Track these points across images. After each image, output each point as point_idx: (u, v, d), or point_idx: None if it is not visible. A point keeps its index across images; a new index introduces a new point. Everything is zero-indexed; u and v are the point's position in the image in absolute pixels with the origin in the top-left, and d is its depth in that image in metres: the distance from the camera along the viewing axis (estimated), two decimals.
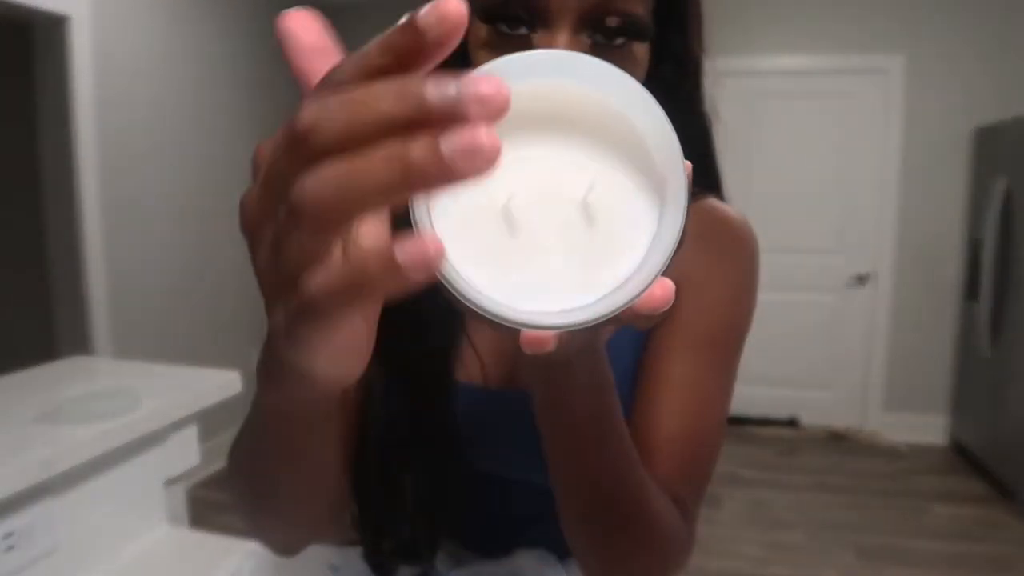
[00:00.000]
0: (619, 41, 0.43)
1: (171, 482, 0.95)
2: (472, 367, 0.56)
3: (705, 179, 0.56)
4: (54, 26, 2.41)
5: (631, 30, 0.43)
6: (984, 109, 3.29)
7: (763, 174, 3.57)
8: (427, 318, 0.53)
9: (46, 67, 2.46)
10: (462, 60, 0.45)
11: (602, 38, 0.43)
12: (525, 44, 0.43)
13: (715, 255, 0.53)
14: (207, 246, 3.22)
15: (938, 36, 3.36)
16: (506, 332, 0.25)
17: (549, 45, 0.42)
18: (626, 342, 0.53)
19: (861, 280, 3.57)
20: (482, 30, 0.45)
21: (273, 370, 0.27)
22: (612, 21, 0.42)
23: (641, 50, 0.45)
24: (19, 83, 3.02)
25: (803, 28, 3.52)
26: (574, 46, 0.42)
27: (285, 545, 0.51)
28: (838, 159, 3.55)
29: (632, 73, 0.27)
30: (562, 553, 0.60)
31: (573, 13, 0.41)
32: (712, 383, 0.52)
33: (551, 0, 0.41)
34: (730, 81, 3.59)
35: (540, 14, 0.42)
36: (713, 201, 0.56)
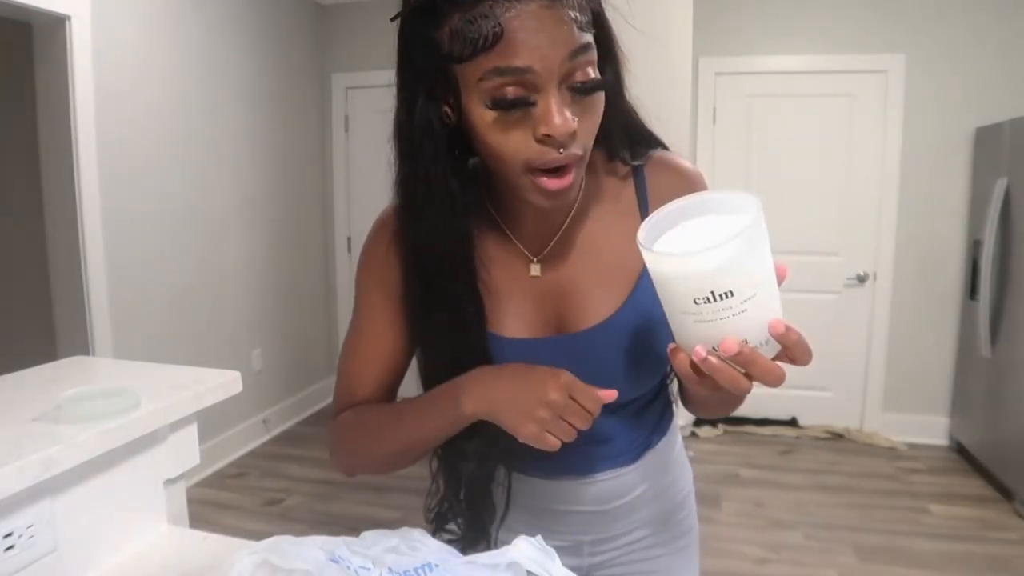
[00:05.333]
0: (589, 95, 0.60)
1: (171, 482, 0.95)
2: (517, 326, 0.73)
3: (653, 142, 0.77)
4: (54, 26, 2.41)
5: (592, 86, 0.60)
6: (984, 109, 3.29)
7: (763, 174, 3.57)
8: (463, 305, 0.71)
9: (46, 67, 2.46)
10: (443, 86, 0.61)
11: (578, 95, 0.59)
12: (526, 118, 0.58)
13: (685, 189, 0.71)
14: (208, 246, 3.22)
15: (938, 36, 3.36)
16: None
17: (550, 124, 0.57)
18: None
19: (861, 280, 3.57)
20: (488, 116, 0.59)
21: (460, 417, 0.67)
22: (579, 82, 0.58)
23: (602, 93, 0.62)
24: (19, 83, 3.02)
25: (803, 28, 3.52)
26: (562, 104, 0.58)
27: (364, 471, 0.79)
28: (838, 159, 3.55)
29: (598, 104, 0.62)
30: (621, 461, 0.80)
31: (555, 83, 0.57)
32: None
33: (539, 79, 0.56)
34: (730, 81, 3.61)
35: (535, 91, 0.57)
36: (665, 153, 0.76)
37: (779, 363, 0.51)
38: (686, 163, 0.76)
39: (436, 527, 0.82)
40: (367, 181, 4.22)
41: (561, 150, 0.58)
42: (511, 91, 0.57)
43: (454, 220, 0.67)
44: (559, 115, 0.56)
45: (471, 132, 0.62)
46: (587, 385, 0.62)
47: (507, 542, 0.62)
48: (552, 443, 0.61)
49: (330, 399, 3.98)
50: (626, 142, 0.74)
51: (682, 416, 0.78)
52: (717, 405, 0.73)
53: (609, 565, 0.85)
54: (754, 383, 0.51)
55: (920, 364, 3.56)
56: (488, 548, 0.78)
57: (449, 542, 0.76)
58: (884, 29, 3.41)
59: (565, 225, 0.73)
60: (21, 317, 3.40)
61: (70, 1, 2.39)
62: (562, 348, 0.72)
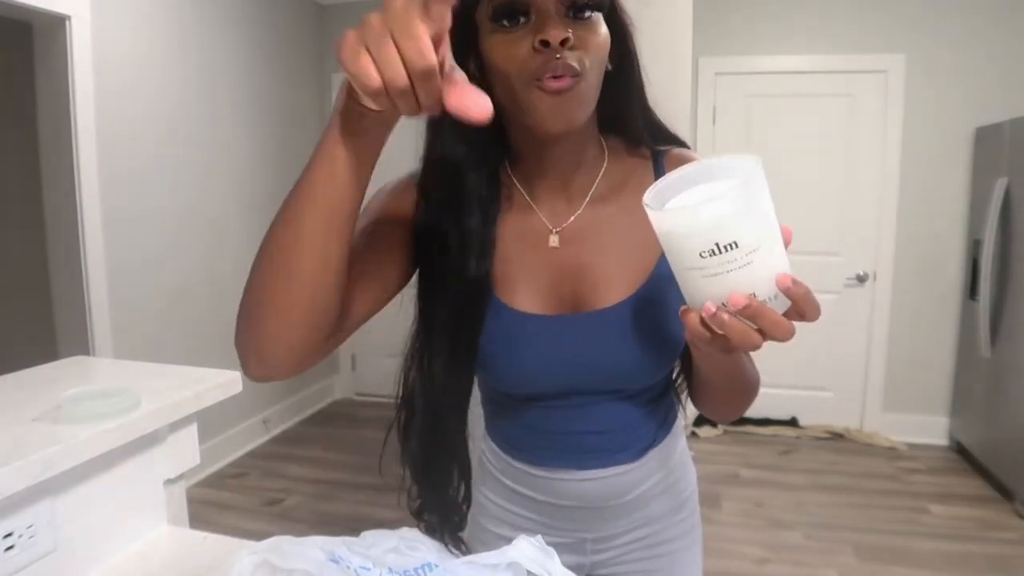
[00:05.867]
0: (586, 15, 0.64)
1: (171, 482, 0.95)
2: (532, 300, 0.73)
3: (673, 138, 0.80)
4: (54, 26, 2.41)
5: (586, 4, 0.64)
6: (984, 109, 3.29)
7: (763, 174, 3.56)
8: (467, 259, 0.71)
9: (46, 67, 2.46)
10: (466, 43, 0.66)
11: (575, 15, 0.64)
12: (528, 36, 0.63)
13: None
14: (208, 246, 3.22)
15: (938, 36, 3.36)
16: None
17: (546, 32, 0.61)
18: None
19: (861, 280, 3.57)
20: (495, 39, 0.65)
21: (350, 110, 0.49)
22: (579, 3, 0.64)
23: (600, 19, 0.66)
24: (19, 83, 3.02)
25: (803, 28, 3.52)
26: (559, 22, 0.62)
27: (274, 355, 0.63)
28: (838, 159, 3.55)
29: (598, 32, 0.65)
30: (623, 458, 0.79)
31: (552, 7, 0.63)
32: None
33: (539, 1, 0.63)
34: (730, 81, 3.61)
35: (534, 13, 0.63)
36: (683, 150, 0.78)
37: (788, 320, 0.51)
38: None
39: (417, 519, 0.82)
40: None
41: (558, 56, 0.61)
42: (515, 7, 0.63)
43: (476, 175, 0.71)
44: (554, 25, 0.62)
45: (486, 69, 0.67)
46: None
47: (509, 540, 0.62)
48: (363, 64, 0.42)
49: (330, 399, 3.99)
50: (647, 133, 0.77)
51: (682, 416, 0.79)
52: (725, 396, 0.74)
53: (612, 563, 0.85)
54: (765, 341, 0.52)
55: (920, 364, 3.56)
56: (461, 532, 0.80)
57: (429, 533, 0.77)
58: (884, 29, 3.41)
59: (587, 200, 0.74)
60: (21, 317, 3.40)
61: (70, 1, 2.39)
62: (575, 326, 0.72)
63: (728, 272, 0.48)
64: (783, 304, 0.51)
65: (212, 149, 3.24)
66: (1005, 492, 2.91)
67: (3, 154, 3.44)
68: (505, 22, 0.64)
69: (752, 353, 0.76)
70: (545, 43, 0.61)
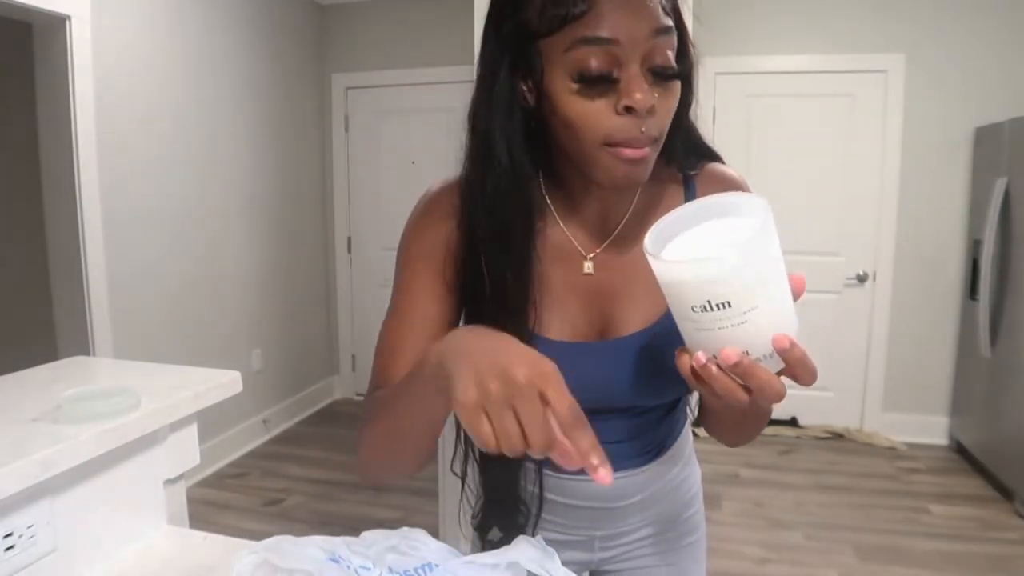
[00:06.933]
0: (668, 80, 0.62)
1: (171, 482, 0.95)
2: (562, 328, 0.72)
3: (709, 153, 0.79)
4: (54, 26, 2.41)
5: (672, 73, 0.62)
6: (984, 109, 3.29)
7: (763, 174, 3.56)
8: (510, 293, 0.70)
9: (46, 67, 2.46)
10: (523, 66, 0.63)
11: (658, 79, 0.61)
12: (608, 92, 0.60)
13: None
14: (208, 246, 3.22)
15: (938, 36, 3.36)
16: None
17: (632, 98, 0.58)
18: None
19: (861, 280, 3.57)
20: (571, 88, 0.60)
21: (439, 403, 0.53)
22: (660, 65, 0.60)
23: (678, 83, 0.64)
24: (19, 83, 3.02)
25: (803, 28, 3.52)
26: (650, 94, 0.60)
27: (378, 472, 0.71)
28: (838, 159, 3.55)
29: (676, 95, 0.64)
30: (631, 464, 0.80)
31: (638, 60, 0.60)
32: None
33: (623, 52, 0.59)
34: (730, 81, 3.61)
35: (618, 66, 0.59)
36: (718, 165, 0.78)
37: (781, 379, 0.50)
38: (738, 176, 0.78)
39: (480, 535, 0.82)
40: (367, 181, 4.22)
41: (643, 129, 0.59)
42: (595, 63, 0.58)
43: (521, 195, 0.68)
44: (641, 90, 0.58)
45: (550, 109, 0.63)
46: (567, 393, 0.46)
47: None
48: (484, 432, 0.45)
49: (330, 399, 3.99)
50: (684, 150, 0.75)
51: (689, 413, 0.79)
52: (732, 426, 0.73)
53: (619, 560, 0.87)
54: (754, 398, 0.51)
55: (920, 364, 3.56)
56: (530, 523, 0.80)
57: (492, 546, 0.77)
58: (884, 29, 3.41)
59: (622, 225, 0.73)
60: (21, 317, 3.40)
61: (70, 1, 2.39)
62: (596, 353, 0.72)
63: (720, 329, 0.46)
64: (779, 363, 0.49)
65: (212, 149, 3.24)
66: (1005, 492, 2.91)
67: (3, 154, 3.44)
68: (592, 83, 0.60)
69: None
70: (630, 109, 0.58)
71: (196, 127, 3.12)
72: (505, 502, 0.78)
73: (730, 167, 0.79)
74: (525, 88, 0.65)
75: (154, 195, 2.88)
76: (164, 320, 2.95)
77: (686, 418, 0.88)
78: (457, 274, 0.71)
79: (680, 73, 0.63)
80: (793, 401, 3.72)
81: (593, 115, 0.60)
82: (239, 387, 1.02)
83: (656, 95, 0.60)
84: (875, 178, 3.51)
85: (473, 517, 0.81)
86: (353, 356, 4.41)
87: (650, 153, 0.62)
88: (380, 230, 4.20)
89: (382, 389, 0.69)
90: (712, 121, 3.65)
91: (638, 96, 0.58)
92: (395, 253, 0.77)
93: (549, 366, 0.47)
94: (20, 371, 1.03)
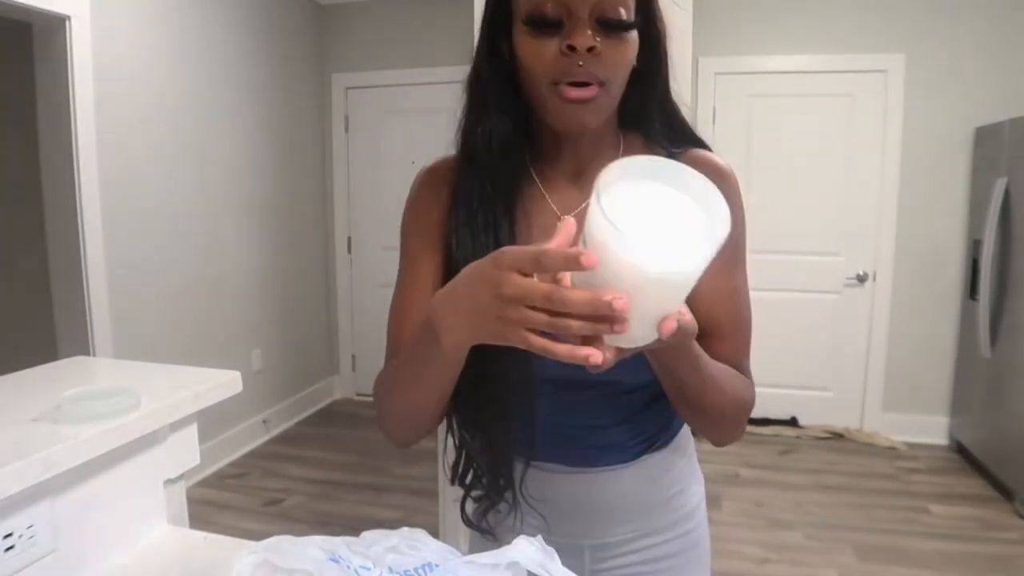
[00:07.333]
0: (616, 33, 0.66)
1: (171, 482, 0.95)
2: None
3: (694, 139, 0.80)
4: (54, 26, 2.41)
5: (619, 24, 0.66)
6: (984, 109, 3.29)
7: (763, 174, 3.57)
8: None
9: (46, 67, 2.46)
10: (500, 27, 0.70)
11: (607, 30, 0.65)
12: (557, 37, 0.65)
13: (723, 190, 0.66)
14: (208, 246, 3.22)
15: (938, 36, 3.36)
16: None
17: (573, 38, 0.64)
18: None
19: (861, 280, 3.57)
20: (525, 33, 0.67)
21: (453, 339, 0.55)
22: (611, 20, 0.65)
23: (632, 36, 0.68)
24: (19, 83, 3.02)
25: (803, 28, 3.52)
26: (588, 28, 0.64)
27: (402, 438, 0.74)
28: (838, 159, 3.55)
29: (627, 47, 0.67)
30: (617, 458, 0.79)
31: (587, 11, 0.65)
32: (743, 285, 0.77)
33: (574, 10, 0.64)
34: (730, 81, 3.61)
35: (568, 15, 0.65)
36: (701, 151, 0.78)
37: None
38: (722, 162, 0.78)
39: (462, 489, 0.82)
40: (367, 181, 4.22)
41: (580, 63, 0.64)
42: (548, 9, 0.65)
43: (506, 163, 0.73)
44: (583, 33, 0.64)
45: (516, 57, 0.69)
46: (524, 256, 0.47)
47: (514, 530, 0.62)
48: (537, 343, 0.47)
49: (330, 399, 4.00)
50: (665, 131, 0.78)
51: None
52: (692, 412, 0.72)
53: (611, 572, 0.84)
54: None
55: (920, 364, 3.56)
56: (512, 507, 0.79)
57: (476, 500, 0.81)
58: (883, 29, 3.41)
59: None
60: (21, 317, 3.40)
61: (70, 1, 2.39)
62: None
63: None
64: (652, 335, 0.48)
65: (212, 149, 3.24)
66: (1005, 492, 2.91)
67: (3, 154, 3.44)
68: (543, 29, 0.66)
69: (752, 352, 0.77)
70: (572, 48, 0.64)
71: (196, 127, 3.12)
72: (493, 465, 0.77)
73: (715, 154, 0.79)
74: (504, 49, 0.71)
75: (154, 195, 2.87)
76: (164, 320, 2.94)
77: (681, 423, 0.85)
78: (448, 236, 0.74)
79: (631, 25, 0.67)
80: (793, 401, 3.72)
81: (541, 58, 0.66)
82: (239, 387, 1.02)
83: (601, 41, 0.64)
84: (875, 178, 3.51)
85: (452, 471, 0.80)
86: (353, 356, 4.41)
87: (598, 96, 0.66)
88: (380, 230, 4.20)
89: (395, 359, 0.74)
90: (712, 121, 3.65)
91: (579, 38, 0.63)
92: (395, 253, 0.79)
93: (506, 256, 0.48)
94: (20, 371, 1.03)
